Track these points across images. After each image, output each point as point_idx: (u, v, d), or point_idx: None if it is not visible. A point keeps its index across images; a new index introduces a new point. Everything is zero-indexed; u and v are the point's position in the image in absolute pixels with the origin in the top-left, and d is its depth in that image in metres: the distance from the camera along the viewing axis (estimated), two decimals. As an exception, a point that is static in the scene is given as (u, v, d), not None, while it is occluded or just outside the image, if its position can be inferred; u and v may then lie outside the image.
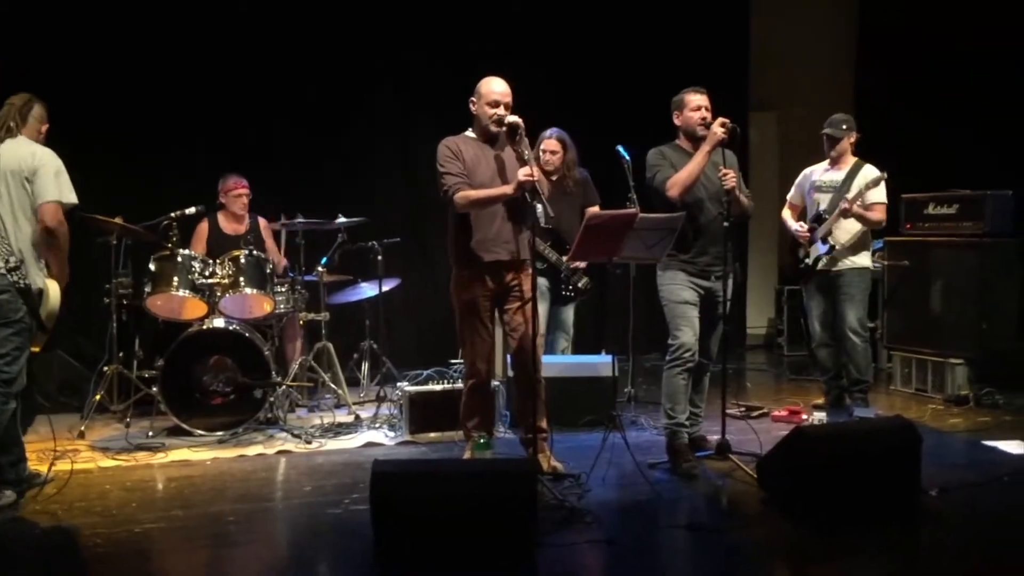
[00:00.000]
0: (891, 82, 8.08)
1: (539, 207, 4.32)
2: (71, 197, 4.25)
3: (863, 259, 5.76)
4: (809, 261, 5.82)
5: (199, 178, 6.45)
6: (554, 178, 5.77)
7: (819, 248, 5.76)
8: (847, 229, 5.70)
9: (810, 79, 8.83)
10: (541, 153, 5.75)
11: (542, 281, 5.85)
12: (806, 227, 5.84)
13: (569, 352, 6.06)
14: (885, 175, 5.66)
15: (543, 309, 5.89)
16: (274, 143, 7.15)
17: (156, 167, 6.85)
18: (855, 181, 5.70)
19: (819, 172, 5.90)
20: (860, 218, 5.63)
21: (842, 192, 5.70)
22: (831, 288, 5.78)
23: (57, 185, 4.20)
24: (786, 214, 6.08)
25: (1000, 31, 7.23)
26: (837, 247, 5.71)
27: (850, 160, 5.80)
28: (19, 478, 4.27)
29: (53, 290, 4.28)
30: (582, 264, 5.71)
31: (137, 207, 5.92)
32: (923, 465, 4.20)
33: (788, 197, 6.11)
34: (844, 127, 5.76)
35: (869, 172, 5.72)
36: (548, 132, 5.82)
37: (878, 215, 5.69)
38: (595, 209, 5.53)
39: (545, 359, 4.87)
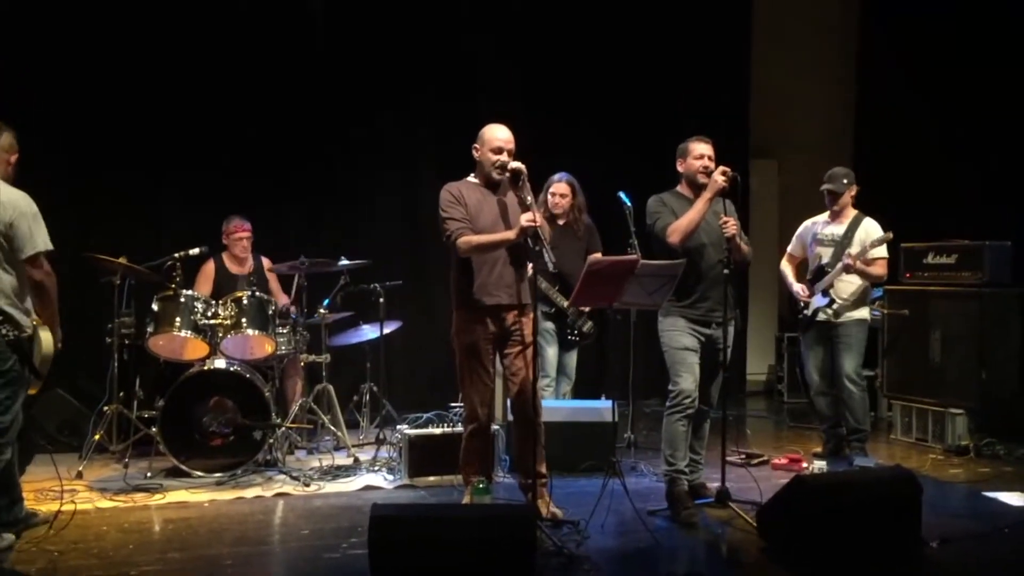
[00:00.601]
0: (893, 131, 8.16)
1: (544, 253, 4.35)
2: (49, 243, 4.12)
3: (862, 311, 5.83)
4: (808, 312, 5.88)
5: (203, 219, 6.50)
6: (561, 222, 5.82)
7: (819, 300, 5.82)
8: (849, 282, 5.78)
9: (810, 127, 8.94)
10: (550, 196, 5.81)
11: (549, 325, 5.89)
12: (805, 289, 5.90)
13: (569, 396, 6.07)
14: (891, 235, 5.71)
15: (552, 353, 5.92)
16: (278, 185, 7.23)
17: (160, 208, 6.92)
18: (856, 235, 5.78)
19: (820, 225, 5.98)
20: (862, 273, 5.69)
21: (844, 246, 5.76)
22: (829, 338, 5.85)
23: (39, 234, 4.07)
24: (785, 267, 6.13)
25: (999, 81, 7.32)
26: (838, 301, 5.76)
27: (851, 213, 5.88)
28: (15, 519, 4.26)
29: (45, 337, 4.18)
30: (586, 308, 5.74)
31: (141, 247, 5.96)
32: (923, 515, 4.19)
33: (788, 249, 6.17)
34: (845, 181, 5.84)
35: (871, 226, 5.80)
36: (557, 176, 5.88)
37: (880, 270, 5.76)
38: (598, 255, 5.58)
39: (545, 403, 4.87)
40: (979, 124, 7.45)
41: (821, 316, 5.82)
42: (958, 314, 6.43)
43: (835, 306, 5.77)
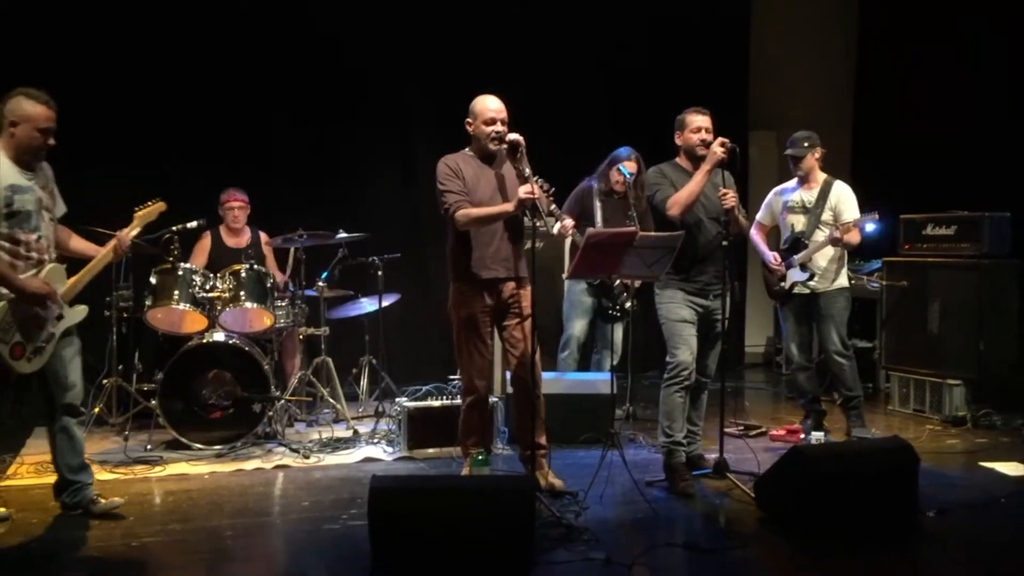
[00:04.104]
0: (892, 101, 8.12)
1: (538, 223, 4.34)
2: None
3: (842, 279, 5.69)
4: (785, 285, 5.73)
5: (200, 192, 6.47)
6: (617, 196, 5.86)
7: (796, 275, 5.65)
8: (825, 253, 5.63)
9: (810, 98, 8.87)
10: (617, 173, 5.81)
11: (588, 300, 5.89)
12: (778, 257, 5.74)
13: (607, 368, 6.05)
14: (876, 215, 5.57)
15: (579, 327, 5.93)
16: (275, 158, 7.21)
17: (157, 181, 6.84)
18: (828, 200, 5.63)
19: (789, 191, 5.81)
20: (847, 245, 5.60)
21: (817, 213, 5.64)
22: (810, 311, 5.71)
23: None
24: (755, 234, 5.92)
25: (1001, 47, 7.27)
26: (818, 273, 5.63)
27: (820, 177, 5.71)
28: None
29: None
30: (630, 283, 5.72)
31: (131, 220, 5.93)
32: (920, 486, 4.22)
33: (757, 217, 5.97)
34: (806, 144, 5.65)
35: (842, 190, 5.66)
36: (625, 153, 5.86)
37: (858, 237, 5.62)
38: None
39: (544, 375, 4.88)
40: (979, 95, 7.41)
41: (800, 290, 5.67)
42: (957, 285, 6.42)
43: (816, 279, 5.63)
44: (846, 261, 5.76)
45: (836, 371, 5.71)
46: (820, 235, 5.64)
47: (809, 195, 5.71)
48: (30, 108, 4.00)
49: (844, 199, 5.65)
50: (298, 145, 7.28)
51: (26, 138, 4.01)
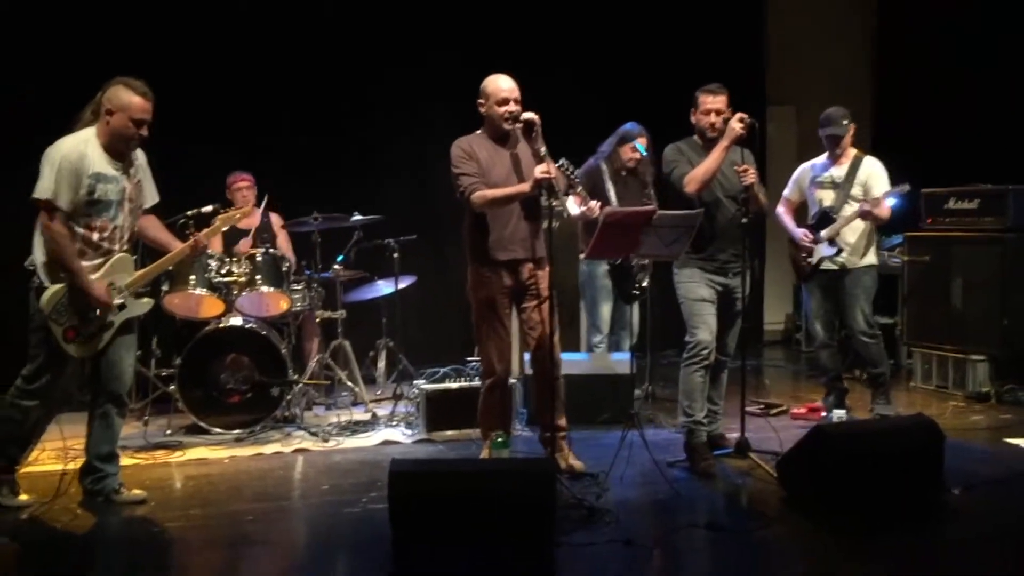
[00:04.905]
0: (911, 75, 8.00)
1: (555, 204, 4.29)
2: (43, 193, 3.93)
3: (870, 256, 5.62)
4: (812, 260, 5.64)
5: (213, 177, 6.44)
6: (624, 173, 5.77)
7: (825, 250, 5.57)
8: (855, 228, 5.55)
9: (828, 72, 8.75)
10: (630, 150, 5.72)
11: (608, 282, 5.85)
12: (808, 234, 5.64)
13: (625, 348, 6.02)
14: (907, 186, 5.50)
15: (606, 309, 5.89)
16: (288, 141, 7.17)
17: (169, 166, 6.82)
18: (858, 176, 5.55)
19: (819, 167, 5.73)
20: (876, 219, 5.53)
21: (846, 189, 5.56)
22: (836, 287, 5.63)
23: (41, 181, 3.94)
24: (781, 211, 5.84)
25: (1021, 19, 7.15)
26: (846, 248, 5.56)
27: (851, 153, 5.63)
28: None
29: (49, 289, 4.03)
30: (646, 261, 5.67)
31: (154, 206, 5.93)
32: (945, 463, 4.16)
33: (785, 193, 5.89)
34: (845, 123, 5.56)
35: (873, 166, 5.58)
36: (636, 130, 5.76)
37: (888, 212, 5.55)
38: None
39: (564, 356, 4.85)
40: (1002, 66, 7.29)
41: (827, 265, 5.59)
42: (980, 260, 6.33)
43: (844, 254, 5.55)
44: (874, 238, 5.69)
45: (860, 349, 5.65)
46: (849, 210, 5.55)
47: (839, 170, 5.63)
48: (127, 98, 4.01)
49: (875, 174, 5.56)
50: (311, 128, 7.23)
51: (120, 127, 4.02)
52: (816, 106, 8.78)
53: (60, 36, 6.47)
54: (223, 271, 5.61)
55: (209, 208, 5.84)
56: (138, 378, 5.90)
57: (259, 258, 5.69)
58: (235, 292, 5.62)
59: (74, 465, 4.42)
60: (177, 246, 4.33)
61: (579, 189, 4.67)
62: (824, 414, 5.70)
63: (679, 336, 4.86)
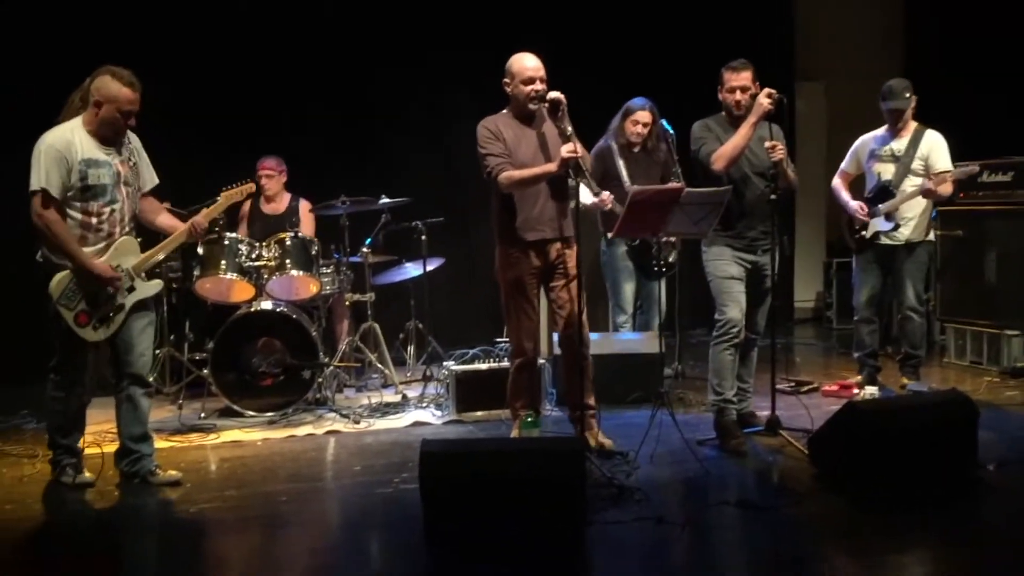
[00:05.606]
0: (942, 48, 7.86)
1: (587, 184, 4.27)
2: (37, 183, 4.01)
3: (929, 233, 5.57)
4: (867, 234, 5.57)
5: (241, 162, 6.46)
6: (636, 149, 5.72)
7: (882, 224, 5.50)
8: (915, 203, 5.46)
9: (858, 47, 8.64)
10: (631, 124, 5.67)
11: (629, 262, 5.84)
12: (864, 207, 5.56)
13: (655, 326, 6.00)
14: (976, 167, 5.44)
15: (629, 289, 5.88)
16: (315, 125, 7.21)
17: (200, 151, 6.92)
18: (919, 149, 5.46)
19: (879, 140, 5.63)
20: (939, 196, 5.43)
21: (906, 163, 5.47)
22: (891, 262, 5.56)
23: (33, 173, 4.02)
24: (838, 183, 5.79)
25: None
26: (903, 224, 5.48)
27: (912, 126, 5.54)
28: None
29: (56, 276, 4.12)
30: (672, 239, 5.64)
31: (182, 192, 5.98)
32: (980, 439, 4.12)
33: (842, 165, 5.82)
34: (907, 95, 5.46)
35: (934, 139, 5.49)
36: (639, 103, 5.69)
37: (951, 188, 5.48)
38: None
39: (592, 336, 4.85)
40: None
41: (884, 240, 5.52)
42: (1014, 233, 6.24)
43: (901, 229, 5.47)
44: (931, 214, 5.62)
45: (907, 326, 5.60)
46: (909, 184, 5.47)
47: (899, 143, 5.54)
48: (115, 89, 4.06)
49: (936, 148, 5.48)
50: (340, 112, 7.26)
51: (109, 118, 4.09)
52: (845, 81, 8.75)
53: (83, 33, 6.53)
54: (253, 255, 5.65)
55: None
56: (172, 362, 6.01)
57: (288, 242, 5.73)
58: (265, 276, 5.66)
59: (110, 448, 4.50)
60: (179, 227, 4.36)
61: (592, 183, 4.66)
62: (856, 391, 5.66)
63: (709, 315, 4.83)
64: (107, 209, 4.14)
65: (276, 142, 6.62)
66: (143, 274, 4.29)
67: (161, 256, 4.39)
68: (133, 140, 4.29)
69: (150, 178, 4.40)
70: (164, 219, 4.45)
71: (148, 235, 4.46)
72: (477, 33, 7.32)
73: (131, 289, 4.23)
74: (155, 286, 4.35)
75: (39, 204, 4.02)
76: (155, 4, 6.74)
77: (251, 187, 4.80)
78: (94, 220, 4.13)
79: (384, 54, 7.33)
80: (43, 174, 4.00)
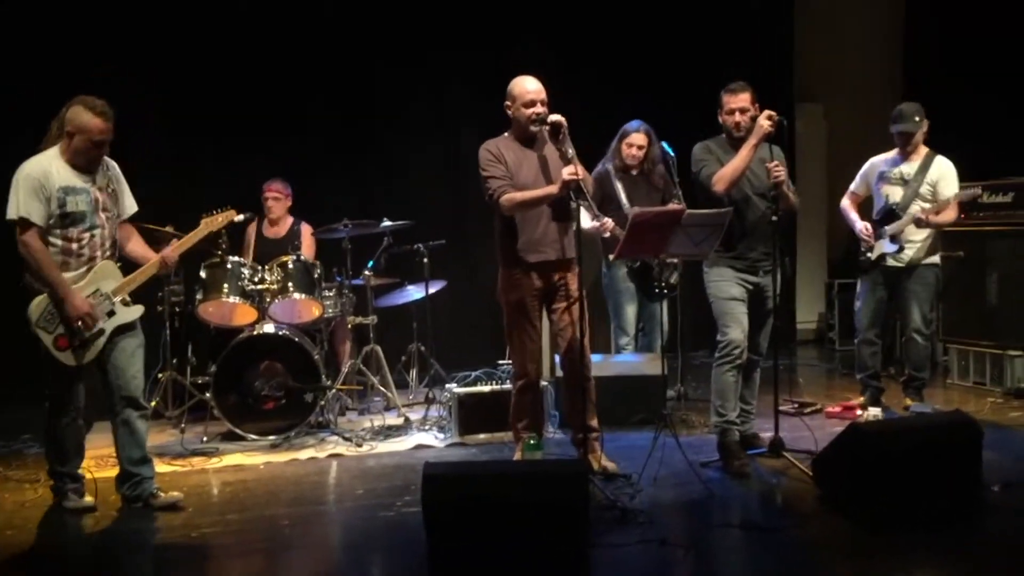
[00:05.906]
0: (941, 70, 7.89)
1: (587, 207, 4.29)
2: (16, 213, 4.06)
3: (934, 256, 5.59)
4: (872, 256, 5.60)
5: (244, 186, 6.52)
6: (634, 172, 5.74)
7: (887, 246, 5.53)
8: (920, 229, 5.51)
9: (858, 68, 8.68)
10: (626, 147, 5.70)
11: (630, 284, 5.85)
12: (869, 228, 5.60)
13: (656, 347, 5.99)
14: (978, 190, 5.48)
15: (631, 311, 5.88)
16: (318, 148, 7.25)
17: (202, 173, 6.96)
18: (928, 175, 5.49)
19: (888, 163, 5.66)
20: (937, 225, 5.47)
21: (914, 187, 5.50)
22: (895, 284, 5.59)
23: (12, 201, 4.08)
24: (847, 204, 5.82)
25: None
26: (908, 247, 5.51)
27: (923, 151, 5.57)
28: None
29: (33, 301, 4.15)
30: (672, 260, 5.65)
31: (185, 215, 6.01)
32: (984, 459, 4.10)
33: (851, 187, 5.85)
34: (917, 119, 5.49)
35: (944, 165, 5.51)
36: (634, 126, 5.73)
37: (954, 213, 5.51)
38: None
39: (594, 358, 4.84)
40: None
41: (889, 262, 5.55)
42: (1016, 254, 6.25)
43: (906, 252, 5.51)
44: (938, 238, 5.65)
45: (911, 348, 5.61)
46: (916, 208, 5.50)
47: (909, 167, 5.56)
48: (87, 119, 4.10)
49: (945, 175, 5.52)
50: (340, 135, 7.30)
51: (82, 148, 4.14)
52: (845, 103, 8.78)
53: (89, 49, 6.58)
54: (256, 279, 5.67)
55: (240, 216, 5.90)
56: (175, 386, 6.00)
57: (291, 265, 5.75)
58: (268, 299, 5.67)
59: (101, 474, 4.48)
60: (148, 261, 4.36)
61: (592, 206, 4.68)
62: (859, 412, 5.65)
63: (711, 336, 4.83)
64: (87, 235, 4.18)
65: (278, 165, 6.64)
66: (126, 298, 4.30)
67: (136, 284, 4.36)
68: (112, 167, 4.33)
69: (129, 205, 4.42)
70: (134, 247, 4.44)
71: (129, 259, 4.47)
72: (483, 54, 7.37)
73: (111, 313, 4.24)
74: (136, 311, 4.35)
75: (20, 231, 4.08)
76: (155, 4, 6.78)
77: (232, 214, 4.77)
78: (74, 246, 4.17)
79: (384, 54, 7.37)
80: (23, 203, 4.05)
